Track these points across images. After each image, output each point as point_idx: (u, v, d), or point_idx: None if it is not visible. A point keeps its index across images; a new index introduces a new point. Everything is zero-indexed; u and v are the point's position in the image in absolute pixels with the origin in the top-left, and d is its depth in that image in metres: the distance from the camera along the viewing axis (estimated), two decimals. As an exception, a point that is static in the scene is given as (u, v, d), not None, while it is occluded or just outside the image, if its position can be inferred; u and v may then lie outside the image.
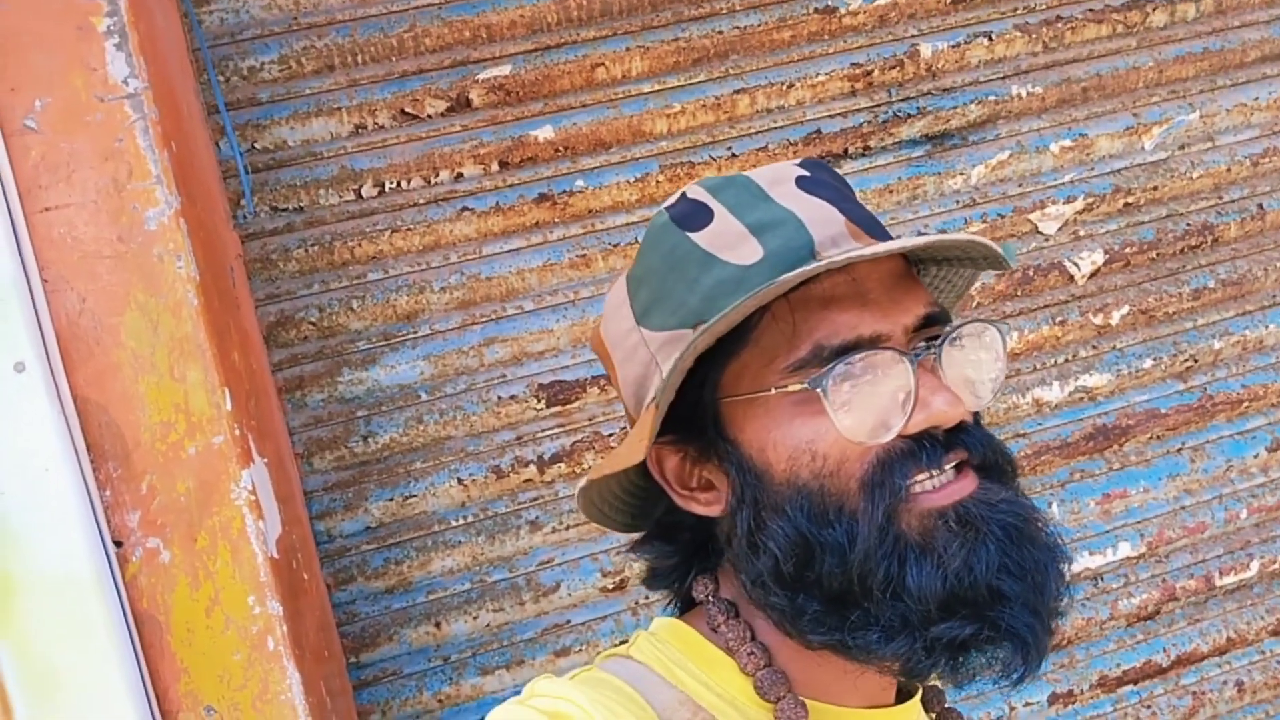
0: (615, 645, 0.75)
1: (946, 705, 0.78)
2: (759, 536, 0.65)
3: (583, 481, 0.73)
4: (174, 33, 1.56)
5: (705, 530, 0.72)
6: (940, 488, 0.62)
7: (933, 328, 0.66)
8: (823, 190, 0.67)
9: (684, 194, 0.70)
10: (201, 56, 1.66)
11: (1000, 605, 0.60)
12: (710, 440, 0.68)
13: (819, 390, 0.61)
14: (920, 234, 1.69)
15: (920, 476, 0.62)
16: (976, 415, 0.68)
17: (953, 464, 0.63)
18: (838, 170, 1.80)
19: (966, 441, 0.63)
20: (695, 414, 0.67)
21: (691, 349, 0.61)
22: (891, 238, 0.67)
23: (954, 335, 0.65)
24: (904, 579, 0.60)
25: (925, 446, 0.62)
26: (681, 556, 0.74)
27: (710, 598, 0.71)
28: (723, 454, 0.67)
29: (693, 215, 0.68)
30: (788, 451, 0.63)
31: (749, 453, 0.65)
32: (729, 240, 0.65)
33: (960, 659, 0.61)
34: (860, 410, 0.62)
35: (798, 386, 0.62)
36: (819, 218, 0.65)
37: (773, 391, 0.63)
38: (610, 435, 1.77)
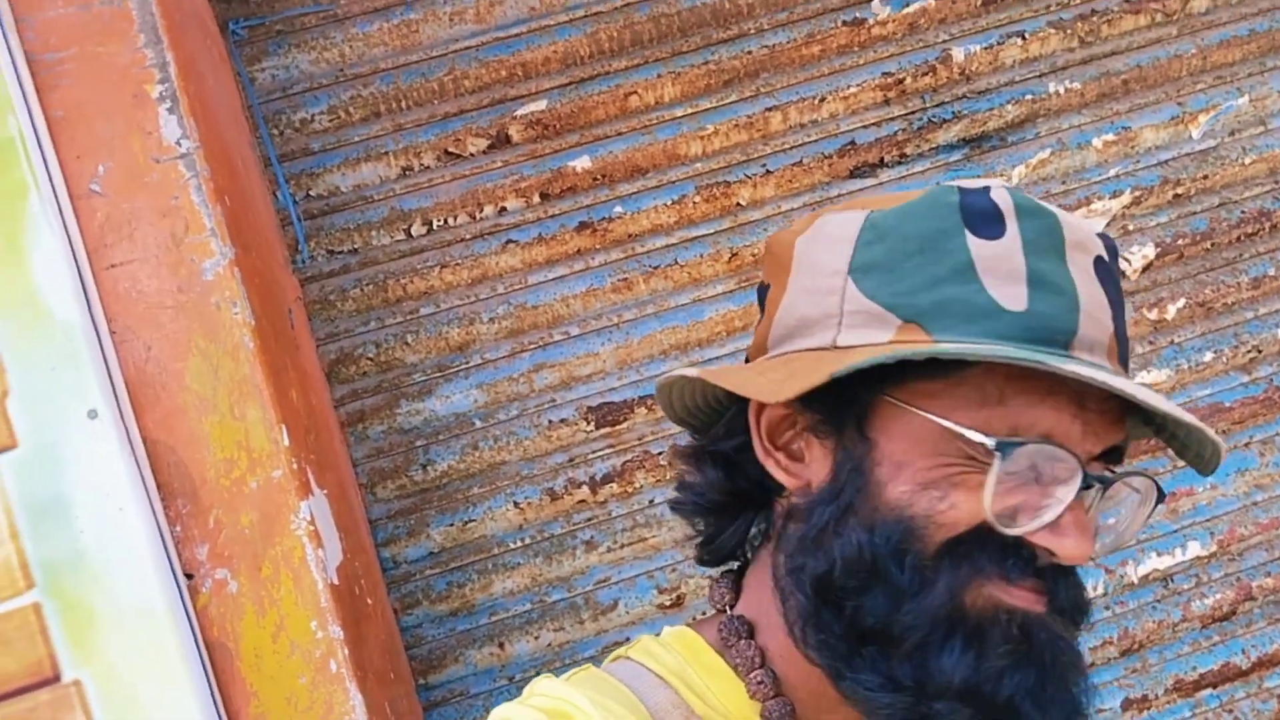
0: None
1: None
2: (829, 537, 0.62)
3: (690, 371, 0.70)
4: (227, 92, 1.66)
5: (765, 494, 0.71)
6: (1017, 586, 0.60)
7: (1105, 458, 0.63)
8: (1110, 285, 0.62)
9: (988, 188, 0.63)
10: (255, 113, 1.76)
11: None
12: (841, 422, 0.64)
13: (997, 455, 0.58)
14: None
15: (995, 580, 0.60)
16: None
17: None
18: (877, 182, 1.83)
19: (1049, 585, 0.61)
20: (839, 390, 0.62)
21: (895, 358, 0.58)
22: (1128, 369, 0.64)
23: (1123, 483, 0.62)
24: (941, 651, 0.59)
25: (1017, 562, 0.59)
26: (733, 499, 0.72)
27: (727, 609, 0.71)
28: (847, 441, 0.63)
29: (985, 218, 0.61)
30: (923, 480, 0.60)
31: (876, 458, 0.62)
32: (1002, 270, 0.60)
33: None
34: (1008, 498, 0.59)
35: (982, 439, 0.58)
36: (1095, 313, 0.60)
37: (949, 424, 0.59)
38: (659, 454, 1.80)
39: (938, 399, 0.60)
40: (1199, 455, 0.64)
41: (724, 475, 0.72)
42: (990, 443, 0.58)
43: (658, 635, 0.73)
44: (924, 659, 0.59)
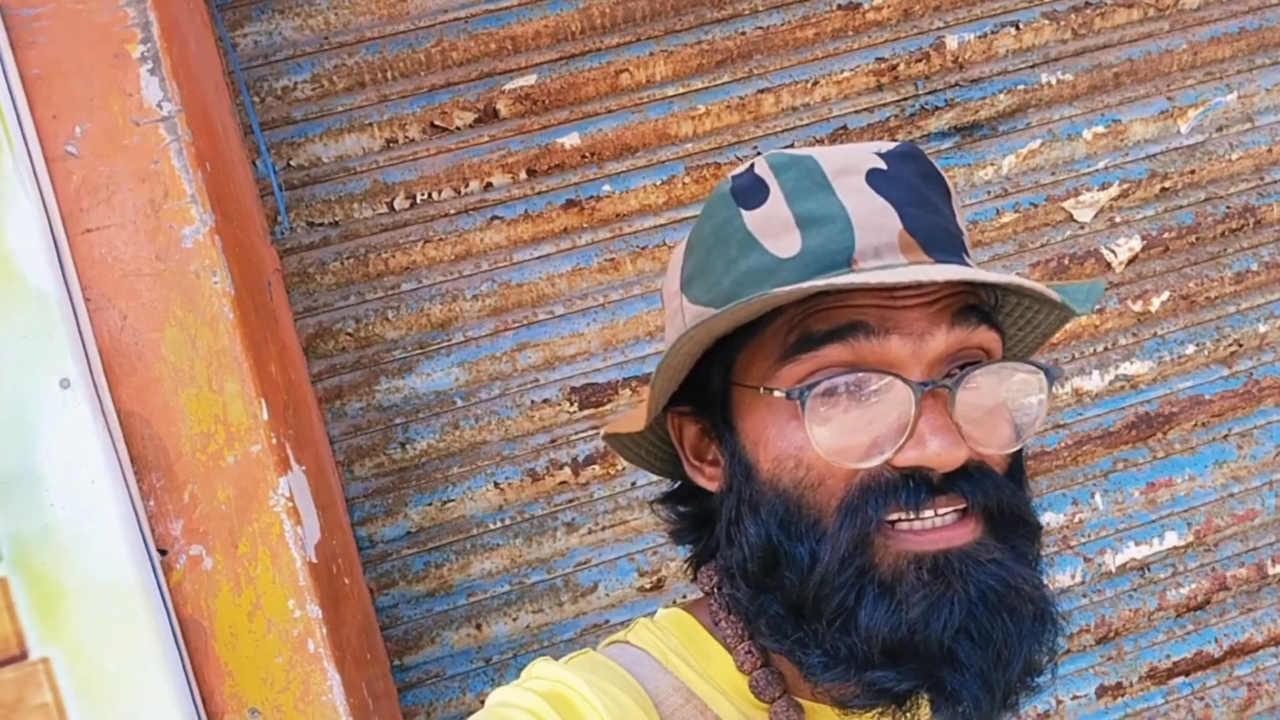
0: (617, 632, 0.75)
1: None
2: (735, 529, 0.65)
3: (603, 430, 0.76)
4: (209, 57, 1.61)
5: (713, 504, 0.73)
6: (927, 531, 0.59)
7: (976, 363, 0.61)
8: (894, 189, 0.62)
9: (752, 164, 0.66)
10: (236, 79, 1.71)
11: (950, 667, 0.57)
12: (715, 421, 0.67)
13: (797, 402, 0.59)
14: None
15: (896, 514, 0.58)
16: (1019, 460, 0.64)
17: (948, 509, 0.59)
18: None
19: (966, 488, 0.59)
20: (705, 391, 0.67)
21: (689, 338, 0.60)
22: (960, 257, 0.63)
23: (971, 374, 0.59)
24: (857, 613, 0.58)
25: (910, 485, 0.58)
26: (691, 521, 0.75)
27: (714, 590, 0.71)
28: (723, 438, 0.67)
29: (750, 190, 0.64)
30: (774, 453, 0.62)
31: (744, 443, 0.64)
32: (774, 227, 0.62)
33: (902, 705, 0.59)
34: (844, 430, 0.59)
35: (780, 394, 0.60)
36: (872, 222, 0.60)
37: (760, 391, 0.62)
38: (643, 436, 1.78)
39: (757, 364, 0.63)
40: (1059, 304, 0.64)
41: (689, 497, 0.76)
42: (781, 393, 0.60)
43: (652, 617, 0.74)
44: (847, 625, 0.59)
